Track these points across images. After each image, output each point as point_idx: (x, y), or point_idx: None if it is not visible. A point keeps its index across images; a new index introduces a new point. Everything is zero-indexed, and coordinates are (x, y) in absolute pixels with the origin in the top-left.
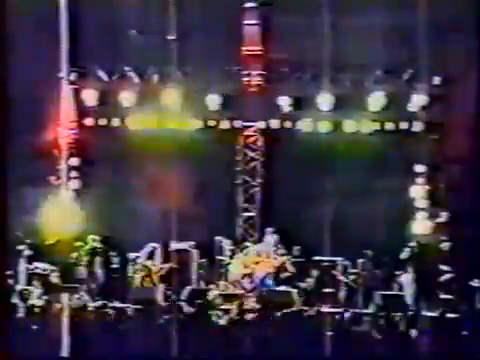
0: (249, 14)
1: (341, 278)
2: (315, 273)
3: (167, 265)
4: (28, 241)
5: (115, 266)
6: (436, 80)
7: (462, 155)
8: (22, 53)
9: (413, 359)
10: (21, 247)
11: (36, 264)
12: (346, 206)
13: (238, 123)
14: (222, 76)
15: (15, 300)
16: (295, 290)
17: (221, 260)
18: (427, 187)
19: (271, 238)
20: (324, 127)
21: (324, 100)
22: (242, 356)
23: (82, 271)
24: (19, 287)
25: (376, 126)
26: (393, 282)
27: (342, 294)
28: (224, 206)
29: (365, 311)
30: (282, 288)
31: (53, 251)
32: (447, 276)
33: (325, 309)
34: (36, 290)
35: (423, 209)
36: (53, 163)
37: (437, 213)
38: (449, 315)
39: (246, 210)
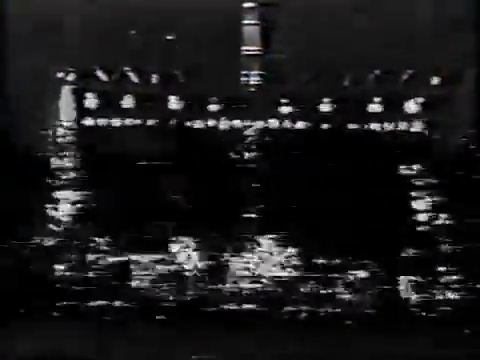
0: (249, 14)
1: (341, 278)
2: (316, 274)
3: (167, 266)
4: (29, 241)
5: (115, 266)
6: (436, 80)
7: (462, 155)
8: (22, 53)
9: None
10: (22, 247)
11: (37, 264)
12: (346, 206)
13: (238, 123)
14: (222, 76)
15: (16, 300)
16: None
17: (221, 261)
18: (427, 187)
19: (272, 239)
20: (324, 127)
21: (323, 100)
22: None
23: (83, 271)
24: (19, 287)
25: (376, 126)
26: (392, 283)
27: (341, 295)
28: (224, 206)
29: (366, 311)
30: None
31: (54, 251)
32: (447, 277)
33: (325, 309)
34: (37, 290)
35: (423, 210)
36: (54, 163)
37: (437, 214)
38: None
39: (246, 211)
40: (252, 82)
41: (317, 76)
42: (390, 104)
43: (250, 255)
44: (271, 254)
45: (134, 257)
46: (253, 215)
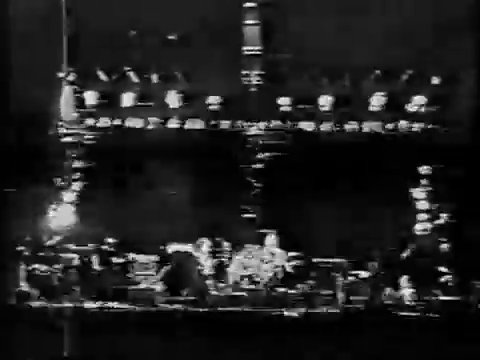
0: (249, 14)
1: (341, 279)
2: (315, 274)
3: (167, 266)
4: (29, 242)
5: (115, 267)
6: (436, 80)
7: (462, 156)
8: (22, 53)
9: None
10: (21, 248)
11: (37, 265)
12: (346, 207)
13: (238, 123)
14: (222, 76)
15: (15, 301)
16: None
17: (221, 261)
18: (427, 188)
19: (272, 239)
20: (325, 127)
21: (325, 100)
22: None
23: (83, 272)
24: (19, 288)
25: (377, 126)
26: (393, 283)
27: (342, 295)
28: (224, 207)
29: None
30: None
31: (54, 252)
32: (447, 277)
33: (325, 310)
34: (36, 291)
35: (423, 210)
36: (54, 164)
37: (437, 214)
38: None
39: (247, 211)
40: (253, 82)
41: (317, 76)
42: (391, 104)
43: (251, 255)
44: (272, 254)
45: (137, 257)
46: (254, 215)
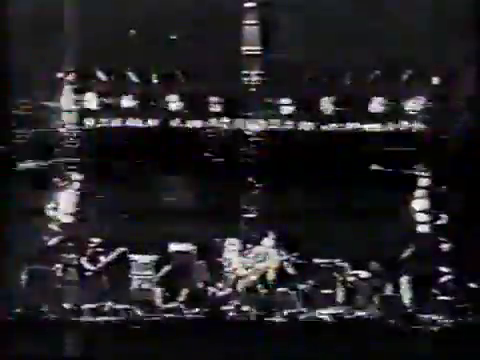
0: (249, 14)
1: (340, 280)
2: (315, 275)
3: (166, 267)
4: (29, 242)
5: (115, 267)
6: (436, 80)
7: (462, 155)
8: (22, 53)
9: None
10: (22, 248)
11: (37, 265)
12: (346, 207)
13: (238, 123)
14: (222, 76)
15: (15, 301)
16: (294, 292)
17: (221, 262)
18: (427, 188)
19: (271, 240)
20: (325, 127)
21: (325, 100)
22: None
23: (83, 271)
24: (19, 288)
25: (376, 126)
26: (392, 284)
27: (341, 296)
28: (225, 207)
29: (364, 313)
30: (281, 290)
31: (54, 252)
32: (446, 278)
33: (324, 311)
34: (37, 290)
35: (423, 210)
36: (54, 164)
37: (437, 214)
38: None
39: (247, 211)
40: (252, 82)
41: (318, 76)
42: (391, 104)
43: (251, 256)
44: (268, 254)
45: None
46: (253, 215)
